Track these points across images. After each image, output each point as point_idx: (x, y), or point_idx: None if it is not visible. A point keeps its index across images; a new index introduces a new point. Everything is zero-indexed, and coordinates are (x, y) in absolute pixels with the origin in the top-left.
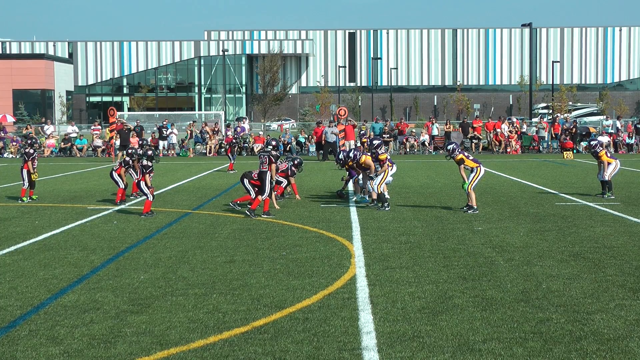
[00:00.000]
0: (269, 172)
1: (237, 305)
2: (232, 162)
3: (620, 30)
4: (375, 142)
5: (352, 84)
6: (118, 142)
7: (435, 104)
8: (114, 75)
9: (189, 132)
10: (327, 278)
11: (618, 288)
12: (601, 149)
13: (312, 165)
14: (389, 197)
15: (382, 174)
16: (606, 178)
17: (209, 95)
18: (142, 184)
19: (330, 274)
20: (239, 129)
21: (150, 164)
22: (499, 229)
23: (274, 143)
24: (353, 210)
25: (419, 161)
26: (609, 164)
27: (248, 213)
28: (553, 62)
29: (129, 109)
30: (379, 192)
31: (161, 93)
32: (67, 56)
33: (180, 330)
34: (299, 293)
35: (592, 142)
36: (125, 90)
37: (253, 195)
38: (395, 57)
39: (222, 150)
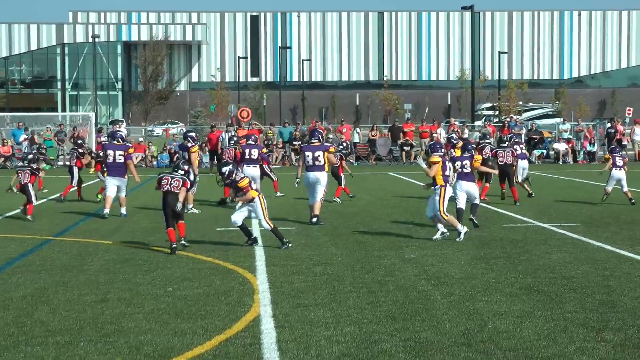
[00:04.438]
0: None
1: (111, 355)
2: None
3: (579, 14)
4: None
5: (255, 79)
6: None
7: (358, 103)
8: None
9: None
10: (224, 319)
11: (579, 327)
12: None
13: (205, 179)
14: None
15: (261, 204)
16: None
17: (75, 92)
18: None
19: (228, 315)
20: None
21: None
22: (435, 256)
23: (186, 167)
24: (256, 234)
25: None
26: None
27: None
28: (499, 52)
29: None
30: (271, 227)
31: (13, 89)
32: None
33: None
34: (190, 338)
35: (484, 148)
36: None
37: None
38: (308, 46)
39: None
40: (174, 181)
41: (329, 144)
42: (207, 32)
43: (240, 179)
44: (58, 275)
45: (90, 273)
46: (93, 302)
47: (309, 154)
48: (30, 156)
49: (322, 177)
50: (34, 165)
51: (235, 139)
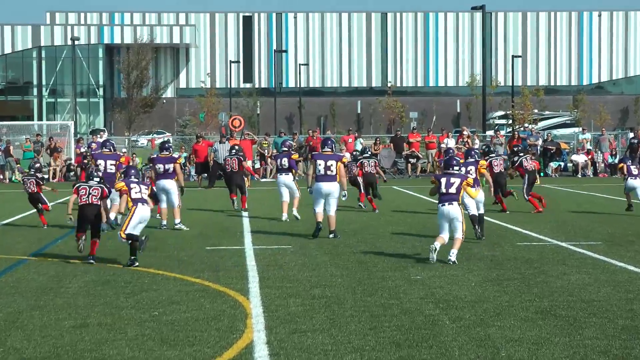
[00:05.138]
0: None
1: None
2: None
3: (600, 15)
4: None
5: (248, 85)
6: None
7: (359, 111)
8: None
9: None
10: (214, 346)
11: (599, 355)
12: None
13: (193, 194)
14: None
15: (128, 215)
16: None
17: (53, 99)
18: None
19: (218, 341)
20: (94, 145)
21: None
22: (444, 277)
23: (100, 174)
24: (250, 254)
25: None
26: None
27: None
28: (513, 56)
29: None
30: (123, 238)
31: None
32: None
33: None
34: None
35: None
36: None
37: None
38: (306, 49)
39: (72, 174)
40: (92, 190)
41: (342, 154)
42: (196, 34)
43: (117, 182)
44: (33, 299)
45: (69, 296)
46: (71, 328)
47: (320, 162)
48: (37, 165)
49: (334, 189)
50: (39, 175)
51: (237, 147)
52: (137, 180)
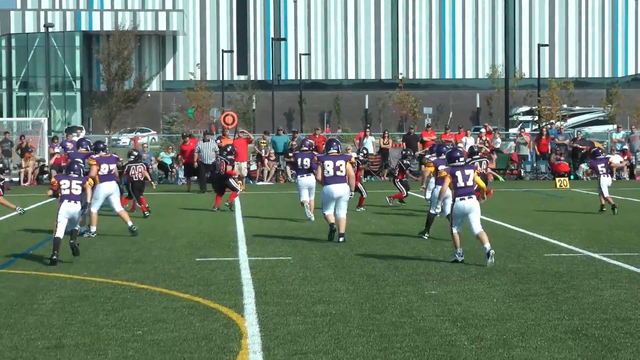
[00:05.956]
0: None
1: None
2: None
3: None
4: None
5: (242, 78)
6: None
7: (367, 107)
8: None
9: None
10: None
11: None
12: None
13: (180, 200)
14: None
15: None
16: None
17: (24, 93)
18: None
19: None
20: (69, 145)
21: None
22: (462, 292)
23: None
24: (244, 266)
25: None
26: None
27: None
28: (539, 45)
29: None
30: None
31: None
32: None
33: None
34: None
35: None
36: None
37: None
38: (307, 37)
39: (45, 176)
40: None
41: (349, 155)
42: (184, 20)
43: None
44: (2, 316)
45: (42, 313)
46: (45, 349)
47: (329, 163)
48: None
49: (345, 192)
50: (2, 176)
51: (229, 148)
52: (74, 176)
